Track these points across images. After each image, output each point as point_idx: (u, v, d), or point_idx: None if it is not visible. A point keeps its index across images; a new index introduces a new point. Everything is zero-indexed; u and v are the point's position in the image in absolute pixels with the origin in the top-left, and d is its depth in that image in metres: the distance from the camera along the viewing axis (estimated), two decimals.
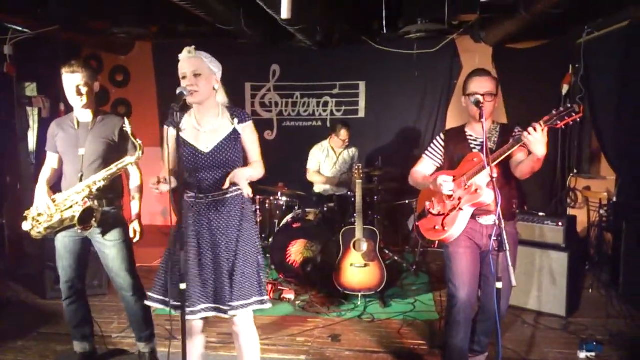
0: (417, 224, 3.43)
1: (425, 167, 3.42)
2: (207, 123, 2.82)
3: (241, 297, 2.78)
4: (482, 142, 3.02)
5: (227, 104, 2.92)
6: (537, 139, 2.71)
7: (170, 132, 2.77)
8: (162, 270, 2.87)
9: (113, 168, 3.24)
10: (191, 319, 2.79)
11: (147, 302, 2.90)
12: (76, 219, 3.19)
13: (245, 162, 2.93)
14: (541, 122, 2.71)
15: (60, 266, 3.48)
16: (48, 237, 3.46)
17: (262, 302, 2.85)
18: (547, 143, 2.76)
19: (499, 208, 2.53)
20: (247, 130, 2.89)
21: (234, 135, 2.82)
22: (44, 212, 3.29)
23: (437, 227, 3.21)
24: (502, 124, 3.26)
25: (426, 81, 7.10)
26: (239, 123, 2.85)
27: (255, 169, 2.91)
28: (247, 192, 2.79)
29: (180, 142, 2.66)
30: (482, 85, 3.10)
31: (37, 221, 3.34)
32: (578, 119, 2.69)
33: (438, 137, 3.39)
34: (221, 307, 2.79)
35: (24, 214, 3.40)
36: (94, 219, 3.21)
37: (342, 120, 6.72)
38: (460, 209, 3.09)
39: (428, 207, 3.32)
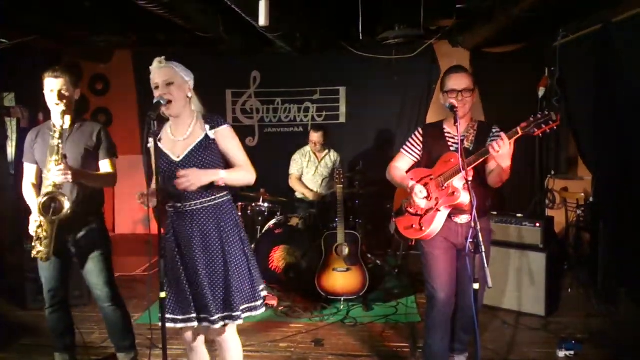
0: (394, 220, 3.46)
1: (403, 163, 3.43)
2: (181, 131, 2.80)
3: (227, 308, 2.76)
4: (462, 140, 3.12)
5: (203, 112, 2.88)
6: (503, 153, 2.79)
7: (150, 143, 2.77)
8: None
9: None
10: (171, 326, 2.77)
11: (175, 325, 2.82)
12: (39, 206, 3.13)
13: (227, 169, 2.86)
14: (505, 136, 2.78)
15: (43, 276, 3.46)
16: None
17: (250, 309, 2.84)
18: (512, 155, 2.83)
19: (474, 210, 2.57)
20: (222, 135, 2.81)
21: (206, 142, 2.77)
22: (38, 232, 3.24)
23: (414, 226, 3.26)
24: (480, 122, 3.29)
25: (406, 86, 7.16)
26: (210, 129, 2.78)
27: (236, 172, 2.80)
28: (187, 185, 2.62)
29: (158, 152, 2.67)
30: (459, 82, 3.13)
31: (39, 241, 3.25)
32: (555, 127, 2.72)
33: (416, 133, 3.39)
34: (208, 317, 2.75)
35: (32, 248, 3.29)
36: (54, 204, 3.14)
37: (313, 124, 6.78)
38: (438, 209, 3.14)
39: (406, 206, 3.34)
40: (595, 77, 5.10)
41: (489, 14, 5.16)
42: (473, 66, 6.82)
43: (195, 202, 2.76)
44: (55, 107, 3.26)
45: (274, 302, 4.97)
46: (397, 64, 6.92)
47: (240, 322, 2.80)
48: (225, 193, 2.87)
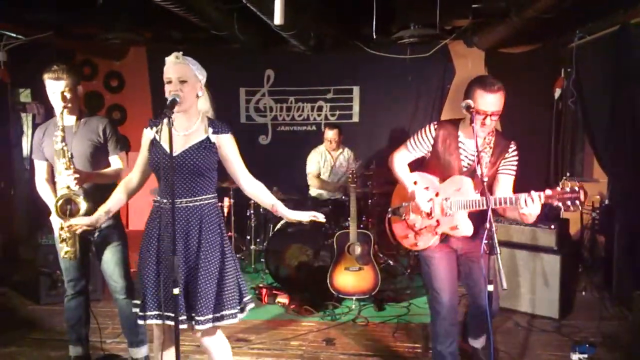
0: (389, 217, 3.35)
1: (407, 157, 3.27)
2: (182, 127, 2.78)
3: (203, 312, 2.72)
4: (474, 159, 2.98)
5: (211, 113, 2.88)
6: (532, 211, 2.66)
7: (146, 134, 2.83)
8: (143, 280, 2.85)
9: None
10: (142, 323, 2.81)
11: (140, 322, 2.83)
12: (57, 209, 3.15)
13: (220, 174, 2.87)
14: (541, 195, 2.62)
15: (64, 267, 3.51)
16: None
17: (222, 318, 2.77)
18: (538, 215, 2.69)
19: (489, 211, 2.54)
20: (225, 142, 2.81)
21: (206, 144, 2.76)
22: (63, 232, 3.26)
23: (409, 236, 3.21)
24: (497, 134, 3.08)
25: (419, 85, 7.15)
26: (213, 133, 2.78)
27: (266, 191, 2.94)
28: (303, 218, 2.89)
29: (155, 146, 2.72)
30: (492, 102, 2.85)
31: (65, 242, 3.28)
32: (580, 208, 2.57)
33: (428, 130, 3.15)
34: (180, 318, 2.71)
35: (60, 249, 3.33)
36: (69, 205, 3.16)
37: (328, 122, 6.81)
38: (436, 233, 3.08)
39: (404, 211, 3.23)
40: (612, 78, 5.05)
41: (504, 15, 5.12)
42: (488, 66, 6.80)
43: (181, 200, 2.74)
44: (60, 108, 3.24)
45: (286, 300, 4.96)
46: (412, 63, 6.89)
47: (201, 327, 2.72)
48: (212, 195, 2.84)
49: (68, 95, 3.27)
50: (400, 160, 3.27)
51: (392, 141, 7.28)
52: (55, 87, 3.25)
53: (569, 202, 2.53)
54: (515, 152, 3.05)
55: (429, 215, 3.09)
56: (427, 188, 3.12)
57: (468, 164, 3.05)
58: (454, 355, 3.26)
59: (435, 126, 3.14)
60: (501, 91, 2.86)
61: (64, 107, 3.24)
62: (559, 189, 2.56)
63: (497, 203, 2.78)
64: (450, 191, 3.02)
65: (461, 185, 2.98)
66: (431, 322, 3.31)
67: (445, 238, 3.13)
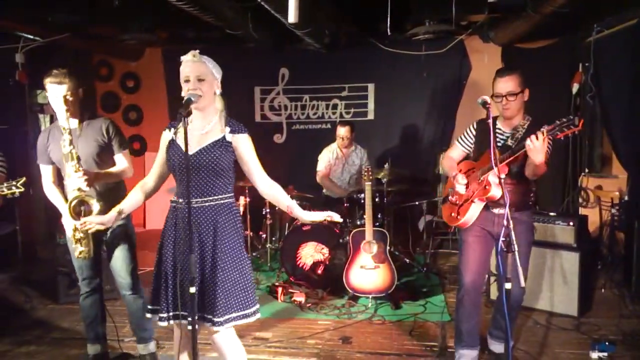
0: (442, 206, 3.77)
1: (455, 153, 3.66)
2: (199, 126, 2.76)
3: (209, 311, 2.71)
4: (506, 138, 3.31)
5: (224, 112, 2.84)
6: (536, 148, 2.88)
7: (165, 136, 2.83)
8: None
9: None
10: (164, 324, 2.78)
11: (160, 323, 2.79)
12: (70, 211, 3.18)
13: (237, 173, 2.85)
14: (544, 131, 2.86)
15: (77, 266, 3.56)
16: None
17: (237, 319, 2.75)
18: (547, 152, 2.95)
19: (507, 208, 2.53)
20: (241, 141, 2.78)
21: (223, 143, 2.73)
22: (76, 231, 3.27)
23: (452, 214, 3.53)
24: (533, 120, 3.35)
25: (435, 82, 7.11)
26: (230, 132, 2.76)
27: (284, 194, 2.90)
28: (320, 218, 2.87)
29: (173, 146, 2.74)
30: (503, 86, 3.28)
31: (79, 242, 3.31)
32: (577, 132, 2.81)
33: (471, 126, 3.58)
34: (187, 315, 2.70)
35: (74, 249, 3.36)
36: (83, 206, 3.20)
37: (340, 119, 6.87)
38: (472, 201, 3.36)
39: (450, 194, 3.59)
40: (631, 72, 4.98)
41: (520, 9, 5.07)
42: (504, 62, 6.75)
43: (196, 199, 2.72)
44: (62, 112, 3.28)
45: (302, 299, 4.96)
46: (427, 59, 6.86)
47: (221, 328, 2.71)
48: (227, 195, 2.80)
49: (70, 99, 3.29)
50: (449, 156, 3.68)
51: (407, 138, 7.25)
52: (58, 91, 3.27)
53: (565, 128, 2.79)
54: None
55: (467, 188, 3.42)
56: (467, 170, 3.49)
57: (503, 144, 3.35)
58: (473, 328, 3.52)
59: (477, 121, 3.58)
60: (511, 75, 3.28)
61: (67, 110, 3.27)
62: (556, 121, 2.83)
63: (507, 158, 3.09)
64: (483, 161, 3.37)
65: (490, 156, 3.20)
66: (456, 297, 3.65)
67: (483, 220, 3.39)
